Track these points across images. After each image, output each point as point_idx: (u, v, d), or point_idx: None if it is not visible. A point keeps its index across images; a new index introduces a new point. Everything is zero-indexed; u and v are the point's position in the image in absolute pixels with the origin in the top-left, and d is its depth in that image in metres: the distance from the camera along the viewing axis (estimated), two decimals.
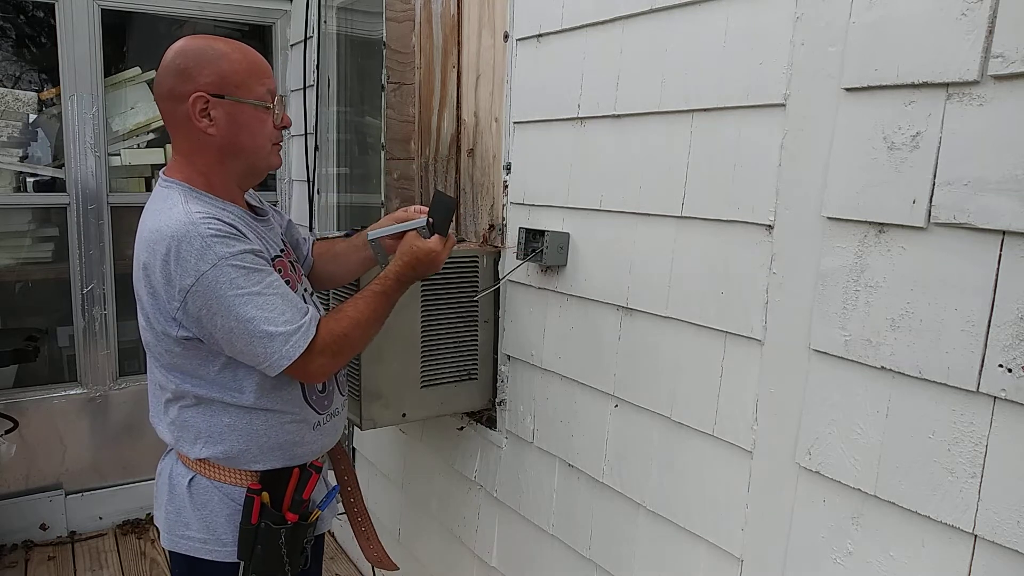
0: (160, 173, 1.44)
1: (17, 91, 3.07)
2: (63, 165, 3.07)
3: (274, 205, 1.75)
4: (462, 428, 2.14)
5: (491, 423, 2.02)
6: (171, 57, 1.37)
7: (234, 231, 1.33)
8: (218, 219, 1.32)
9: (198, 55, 1.36)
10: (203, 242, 1.28)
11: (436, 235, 1.50)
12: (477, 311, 1.95)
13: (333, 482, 1.70)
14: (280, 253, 1.49)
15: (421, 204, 2.28)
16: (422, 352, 1.89)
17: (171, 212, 1.32)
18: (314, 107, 3.08)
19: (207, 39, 1.40)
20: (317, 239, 1.79)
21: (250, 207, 1.52)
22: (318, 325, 1.38)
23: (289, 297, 1.36)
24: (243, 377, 1.40)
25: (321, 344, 1.36)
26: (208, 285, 1.28)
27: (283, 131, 1.47)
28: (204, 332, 1.33)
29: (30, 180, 3.11)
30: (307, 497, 1.49)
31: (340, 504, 1.76)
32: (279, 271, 1.42)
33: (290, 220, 1.73)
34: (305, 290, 1.54)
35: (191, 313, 1.31)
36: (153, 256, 1.31)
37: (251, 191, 1.58)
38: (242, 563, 1.46)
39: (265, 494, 1.45)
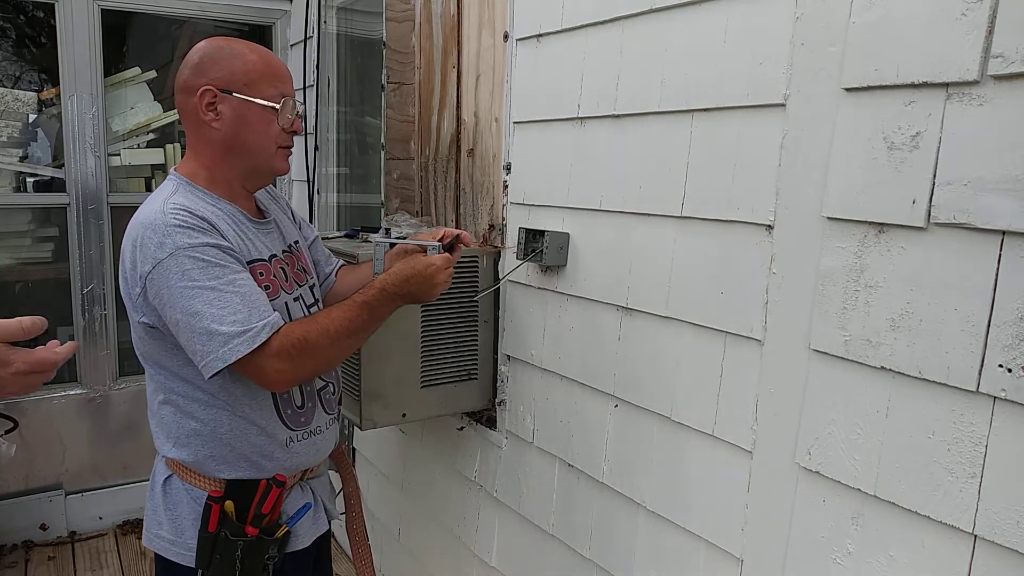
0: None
1: (17, 91, 3.07)
2: (63, 165, 3.07)
3: None
4: (462, 428, 2.14)
5: (491, 423, 2.02)
6: (191, 53, 1.42)
7: (203, 224, 1.32)
8: (189, 211, 1.32)
9: (214, 52, 1.40)
10: (165, 231, 1.29)
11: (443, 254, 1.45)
12: (477, 311, 1.95)
13: (312, 497, 1.60)
14: (268, 258, 1.46)
15: (421, 207, 2.30)
16: (422, 352, 1.89)
17: (153, 203, 1.36)
18: (314, 107, 3.08)
19: (229, 40, 1.44)
20: (343, 265, 1.78)
21: (258, 209, 1.53)
22: (279, 330, 1.32)
23: (251, 298, 1.31)
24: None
25: (276, 347, 1.30)
26: (162, 273, 1.29)
27: (293, 136, 1.46)
28: (162, 322, 1.34)
29: (30, 180, 3.11)
30: (267, 511, 1.44)
31: (337, 508, 1.74)
32: (261, 274, 1.41)
33: (318, 237, 1.74)
34: (296, 299, 1.50)
35: (149, 300, 1.32)
36: (127, 242, 1.35)
37: (277, 195, 1.62)
38: (200, 571, 1.43)
39: (229, 503, 1.42)
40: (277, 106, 1.41)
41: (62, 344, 0.97)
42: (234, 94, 1.38)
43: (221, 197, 1.42)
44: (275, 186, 1.72)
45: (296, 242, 1.60)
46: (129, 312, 1.39)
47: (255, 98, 1.39)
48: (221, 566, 1.41)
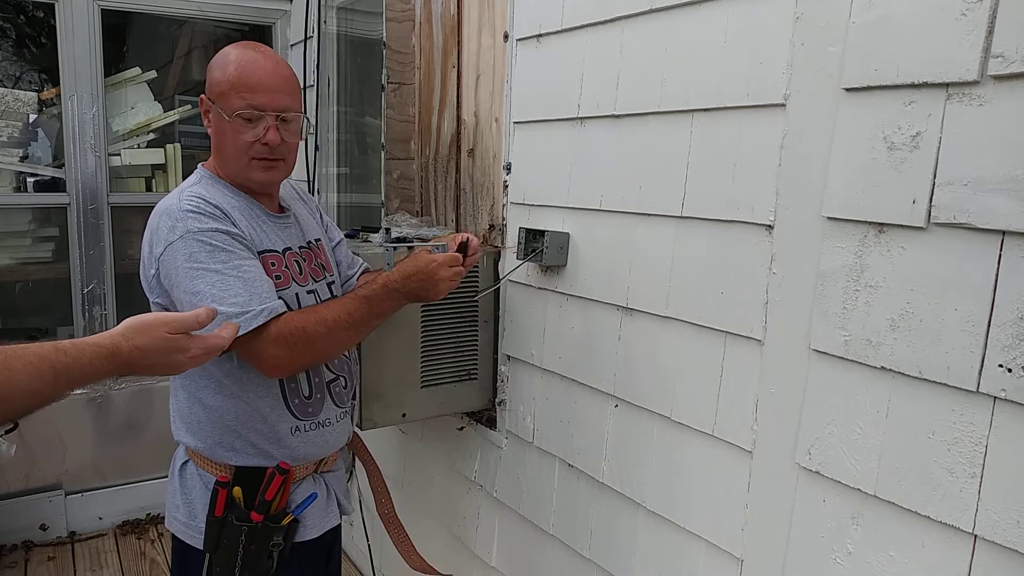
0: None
1: (17, 91, 3.07)
2: (63, 165, 3.07)
3: None
4: (462, 428, 2.14)
5: (491, 423, 2.02)
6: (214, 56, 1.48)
7: (215, 211, 1.38)
8: (203, 198, 1.38)
9: (215, 59, 1.46)
10: (178, 215, 1.36)
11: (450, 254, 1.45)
12: (477, 311, 1.95)
13: (325, 489, 1.62)
14: (282, 251, 1.49)
15: (421, 207, 2.30)
16: (422, 352, 1.89)
17: (174, 192, 1.43)
18: (314, 107, 3.08)
19: (237, 46, 1.46)
20: (366, 268, 1.80)
21: (279, 207, 1.57)
22: (279, 317, 1.35)
23: (253, 283, 1.35)
24: (216, 360, 1.36)
25: (275, 333, 1.34)
26: (172, 255, 1.35)
27: (268, 148, 1.41)
28: (172, 303, 1.39)
29: (30, 180, 3.11)
30: (270, 498, 1.46)
31: (365, 496, 1.75)
32: (272, 264, 1.45)
33: (343, 240, 1.77)
34: (310, 292, 1.52)
35: (162, 281, 1.39)
36: (147, 228, 1.43)
37: (308, 198, 1.69)
38: (208, 555, 1.46)
39: (238, 489, 1.45)
40: (244, 120, 1.38)
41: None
42: (215, 104, 1.43)
43: (238, 190, 1.48)
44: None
45: (317, 240, 1.63)
46: (147, 294, 1.46)
47: (223, 110, 1.41)
48: (226, 550, 1.45)
